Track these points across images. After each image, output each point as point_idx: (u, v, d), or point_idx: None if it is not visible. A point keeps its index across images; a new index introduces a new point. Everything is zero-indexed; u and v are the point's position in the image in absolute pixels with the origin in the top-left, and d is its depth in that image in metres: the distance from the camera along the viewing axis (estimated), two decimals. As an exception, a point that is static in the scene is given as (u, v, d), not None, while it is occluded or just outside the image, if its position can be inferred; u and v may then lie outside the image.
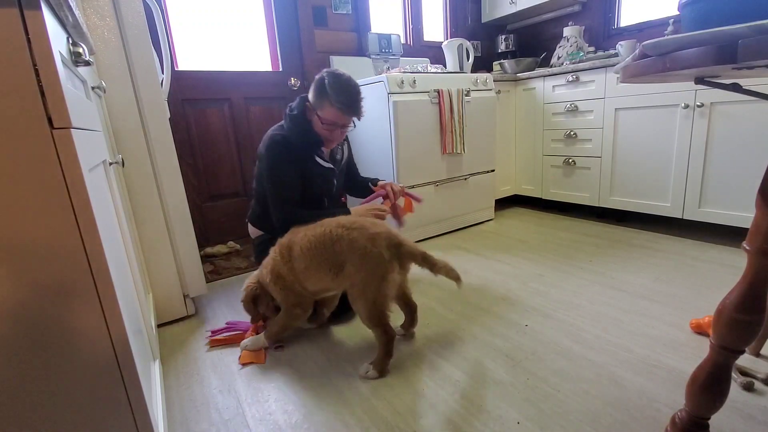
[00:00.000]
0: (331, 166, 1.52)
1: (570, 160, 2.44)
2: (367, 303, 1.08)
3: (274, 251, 1.22)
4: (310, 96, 1.39)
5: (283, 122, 1.45)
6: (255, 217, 1.56)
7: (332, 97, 1.33)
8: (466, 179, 2.38)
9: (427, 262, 1.12)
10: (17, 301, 0.49)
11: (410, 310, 1.28)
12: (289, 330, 1.27)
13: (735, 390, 0.95)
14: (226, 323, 1.42)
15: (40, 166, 0.49)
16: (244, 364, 1.20)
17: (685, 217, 1.99)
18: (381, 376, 1.10)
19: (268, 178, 1.39)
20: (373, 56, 2.60)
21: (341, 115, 1.36)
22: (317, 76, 1.37)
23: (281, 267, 1.18)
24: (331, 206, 1.60)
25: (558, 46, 2.70)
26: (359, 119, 1.42)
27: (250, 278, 1.27)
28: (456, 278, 1.13)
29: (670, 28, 2.20)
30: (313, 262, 1.13)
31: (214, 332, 1.37)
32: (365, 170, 2.00)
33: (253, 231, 1.59)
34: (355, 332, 1.34)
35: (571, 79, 2.33)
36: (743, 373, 0.99)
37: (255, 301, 1.25)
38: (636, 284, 1.55)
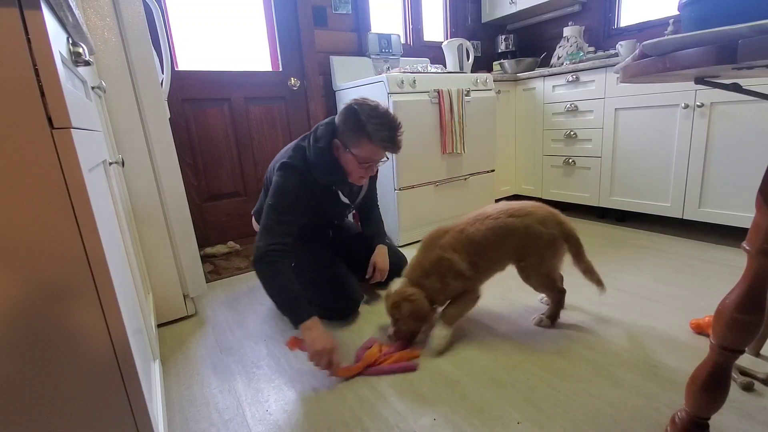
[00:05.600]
0: (348, 203, 1.46)
1: (570, 160, 2.44)
2: (541, 277, 1.24)
3: (442, 252, 1.20)
4: (341, 132, 1.25)
5: (303, 147, 1.30)
6: (260, 214, 1.54)
7: (372, 134, 1.20)
8: (466, 179, 2.38)
9: (577, 249, 1.22)
10: (17, 301, 0.49)
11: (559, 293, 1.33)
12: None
13: (735, 390, 0.95)
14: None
15: (40, 166, 0.49)
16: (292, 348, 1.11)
17: (685, 217, 1.99)
18: (553, 325, 1.29)
19: (269, 202, 1.24)
20: (373, 56, 2.60)
21: (380, 151, 1.26)
22: (346, 110, 1.24)
23: (459, 264, 1.19)
24: (333, 233, 1.57)
25: (558, 46, 2.70)
26: (398, 153, 1.31)
27: (406, 294, 1.18)
28: (597, 282, 1.24)
29: (670, 28, 2.20)
30: (487, 252, 1.21)
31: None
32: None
33: (256, 225, 1.59)
34: (356, 333, 1.34)
35: (571, 79, 2.33)
36: (743, 373, 0.99)
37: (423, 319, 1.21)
38: (636, 284, 1.55)
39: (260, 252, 1.16)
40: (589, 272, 1.23)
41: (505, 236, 1.20)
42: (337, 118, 1.29)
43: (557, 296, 1.29)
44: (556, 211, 1.24)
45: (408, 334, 1.23)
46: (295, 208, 1.24)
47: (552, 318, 1.30)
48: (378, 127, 1.21)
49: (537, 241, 1.19)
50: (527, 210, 1.22)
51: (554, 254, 1.22)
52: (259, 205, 1.55)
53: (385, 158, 1.31)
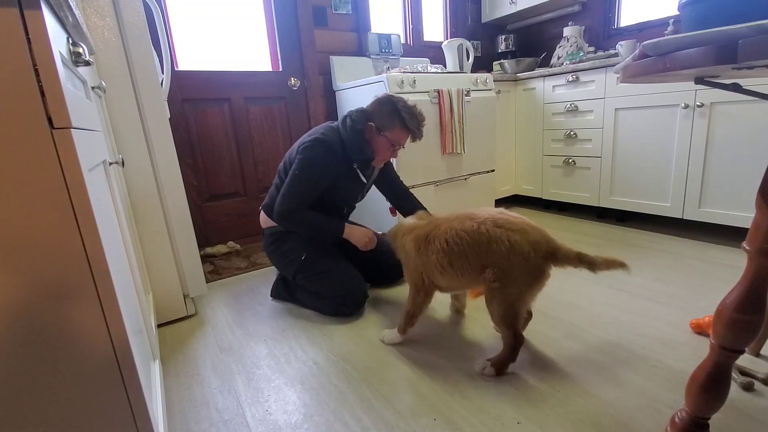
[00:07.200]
0: (365, 182, 1.59)
1: (570, 160, 2.44)
2: (506, 304, 1.03)
3: (408, 240, 1.20)
4: (377, 117, 1.44)
5: (337, 128, 1.48)
6: (271, 209, 1.53)
7: (406, 120, 1.42)
8: (466, 179, 2.38)
9: (584, 262, 1.00)
10: (17, 301, 0.49)
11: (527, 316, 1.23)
12: (416, 321, 1.23)
13: (735, 390, 0.95)
14: None
15: (40, 166, 0.49)
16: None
17: (685, 217, 1.99)
18: (498, 375, 1.07)
19: (296, 171, 1.40)
20: (373, 56, 2.60)
21: (407, 137, 1.48)
22: (381, 99, 1.46)
23: (414, 257, 1.17)
24: (344, 215, 1.67)
25: (558, 46, 2.70)
26: (419, 140, 1.52)
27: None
28: (622, 265, 0.98)
29: (670, 28, 2.20)
30: (457, 259, 1.06)
31: None
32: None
33: (264, 220, 1.58)
34: (357, 332, 1.34)
35: (571, 79, 2.33)
36: (743, 373, 0.99)
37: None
38: (636, 284, 1.55)
39: (284, 210, 1.39)
40: (608, 263, 0.99)
41: (480, 246, 1.03)
42: (369, 106, 1.47)
43: (513, 341, 1.06)
44: (550, 238, 1.04)
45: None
46: (316, 183, 1.42)
47: (498, 367, 1.06)
48: (409, 117, 1.42)
49: (520, 263, 1.00)
50: (521, 226, 1.03)
51: (530, 286, 1.03)
52: (270, 199, 1.55)
53: (404, 146, 1.52)
